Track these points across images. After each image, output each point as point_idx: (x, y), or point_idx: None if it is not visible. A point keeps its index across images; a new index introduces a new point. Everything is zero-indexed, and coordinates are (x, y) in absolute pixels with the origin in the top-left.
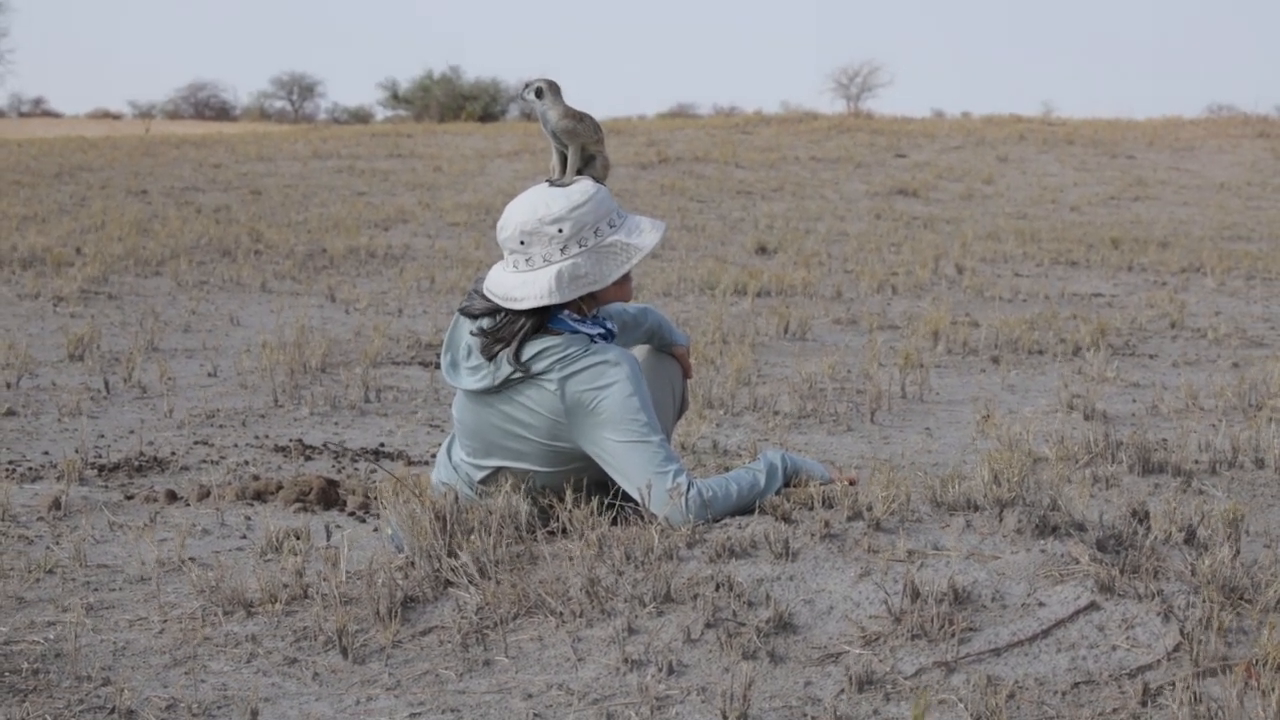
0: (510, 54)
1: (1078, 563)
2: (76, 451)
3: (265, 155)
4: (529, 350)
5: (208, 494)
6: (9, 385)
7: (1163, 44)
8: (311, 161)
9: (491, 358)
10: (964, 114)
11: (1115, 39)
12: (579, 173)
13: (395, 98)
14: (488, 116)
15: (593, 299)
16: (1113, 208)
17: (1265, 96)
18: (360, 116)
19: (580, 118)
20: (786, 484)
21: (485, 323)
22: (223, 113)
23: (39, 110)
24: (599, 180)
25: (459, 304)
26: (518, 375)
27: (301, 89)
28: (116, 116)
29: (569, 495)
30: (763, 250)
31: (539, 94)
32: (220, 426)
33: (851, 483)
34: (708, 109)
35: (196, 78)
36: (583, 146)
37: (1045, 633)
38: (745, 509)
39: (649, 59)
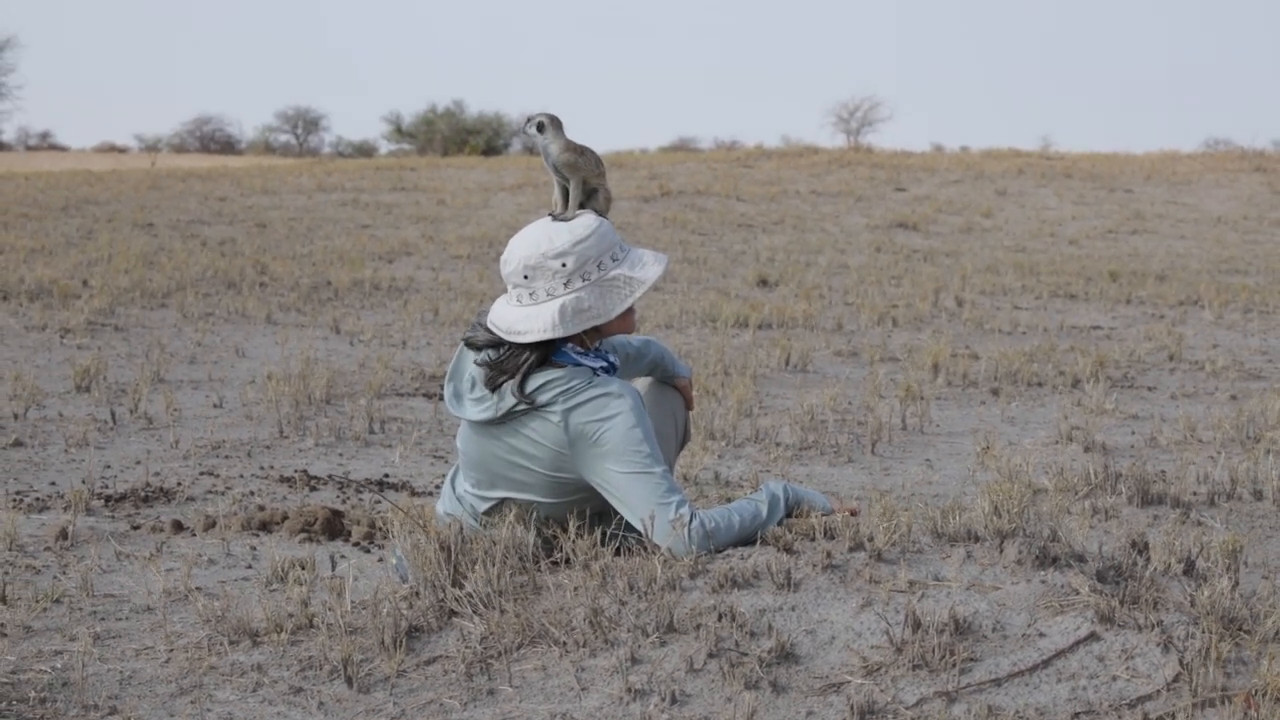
0: (513, 88)
1: (1078, 593)
2: (83, 482)
3: (270, 189)
4: (533, 383)
5: (213, 524)
6: (16, 416)
7: (1160, 79)
8: (316, 195)
9: (495, 389)
10: (963, 148)
11: (1113, 74)
12: (581, 206)
13: (399, 131)
14: (491, 150)
15: (596, 332)
16: (1111, 241)
17: (1262, 131)
18: (364, 150)
19: (581, 151)
20: (788, 515)
21: (489, 354)
22: (228, 146)
23: (46, 144)
24: (601, 214)
25: (462, 335)
26: (521, 407)
27: (306, 123)
28: (123, 150)
29: (572, 526)
30: (764, 283)
31: (540, 128)
32: (226, 457)
33: (853, 514)
34: (709, 143)
35: (202, 112)
36: (584, 180)
37: (1046, 663)
38: (747, 539)
39: (651, 93)
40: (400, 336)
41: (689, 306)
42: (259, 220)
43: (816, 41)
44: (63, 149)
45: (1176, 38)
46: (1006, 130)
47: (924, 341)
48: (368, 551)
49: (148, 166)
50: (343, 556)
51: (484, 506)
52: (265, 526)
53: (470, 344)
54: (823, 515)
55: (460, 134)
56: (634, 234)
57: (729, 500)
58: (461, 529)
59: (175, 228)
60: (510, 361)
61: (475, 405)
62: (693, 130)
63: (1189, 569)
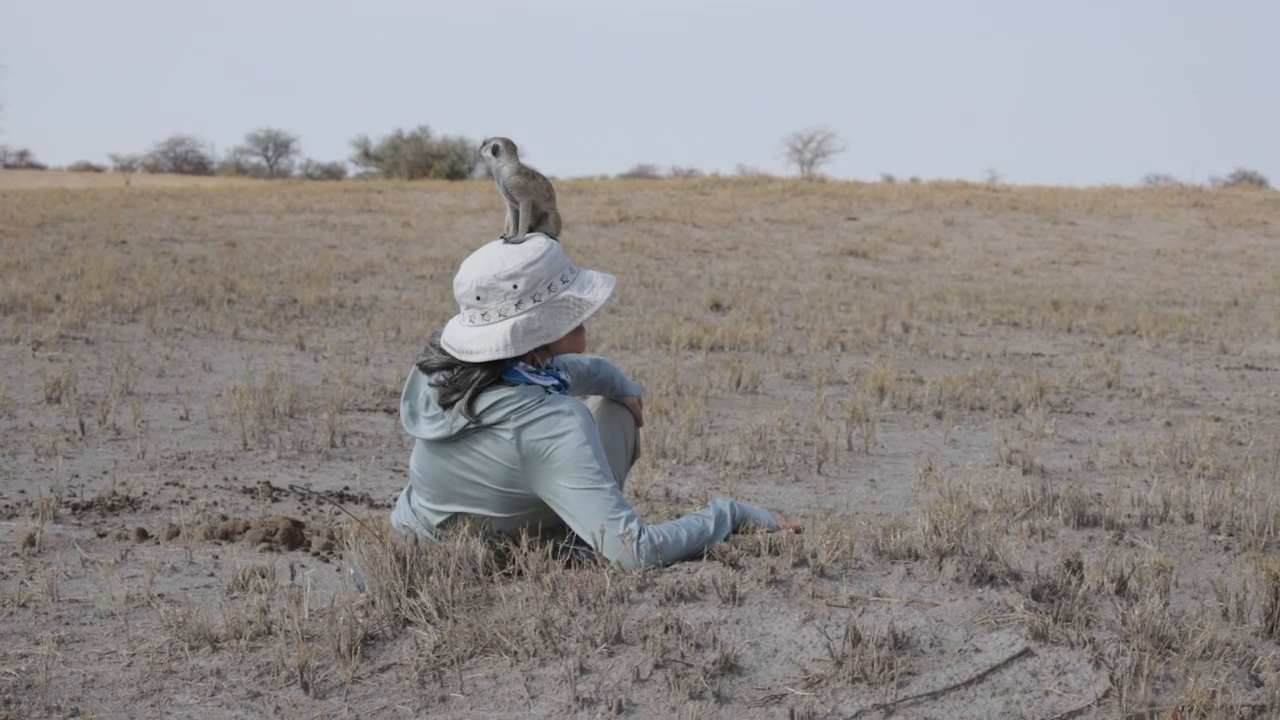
0: (478, 115)
1: (1013, 611)
2: (51, 490)
3: (241, 208)
4: (485, 401)
5: (177, 533)
6: None
7: (1104, 116)
8: (285, 215)
9: (448, 407)
10: (913, 179)
11: (1059, 111)
12: (531, 230)
13: (366, 155)
14: (455, 174)
15: (546, 351)
16: (1053, 271)
17: (1200, 168)
18: (333, 173)
19: (532, 175)
20: (735, 531)
21: (443, 375)
22: (200, 167)
23: (24, 162)
24: (552, 237)
25: (416, 359)
26: (474, 425)
27: (277, 145)
28: (98, 169)
29: (524, 539)
30: (717, 307)
31: (495, 151)
32: (191, 468)
33: (797, 530)
34: (667, 170)
35: (176, 133)
36: (534, 204)
37: (981, 678)
38: (695, 554)
39: (612, 122)
40: (363, 353)
41: (644, 328)
42: (229, 239)
43: (773, 74)
44: (40, 168)
45: (1120, 78)
46: (955, 163)
47: (871, 366)
48: (326, 561)
49: (122, 186)
50: (302, 566)
51: (438, 520)
52: (228, 536)
53: (424, 368)
54: (768, 532)
55: (425, 158)
56: (592, 257)
57: (678, 516)
58: (416, 540)
59: (147, 245)
60: (462, 380)
61: (430, 424)
62: (651, 158)
63: (1121, 589)
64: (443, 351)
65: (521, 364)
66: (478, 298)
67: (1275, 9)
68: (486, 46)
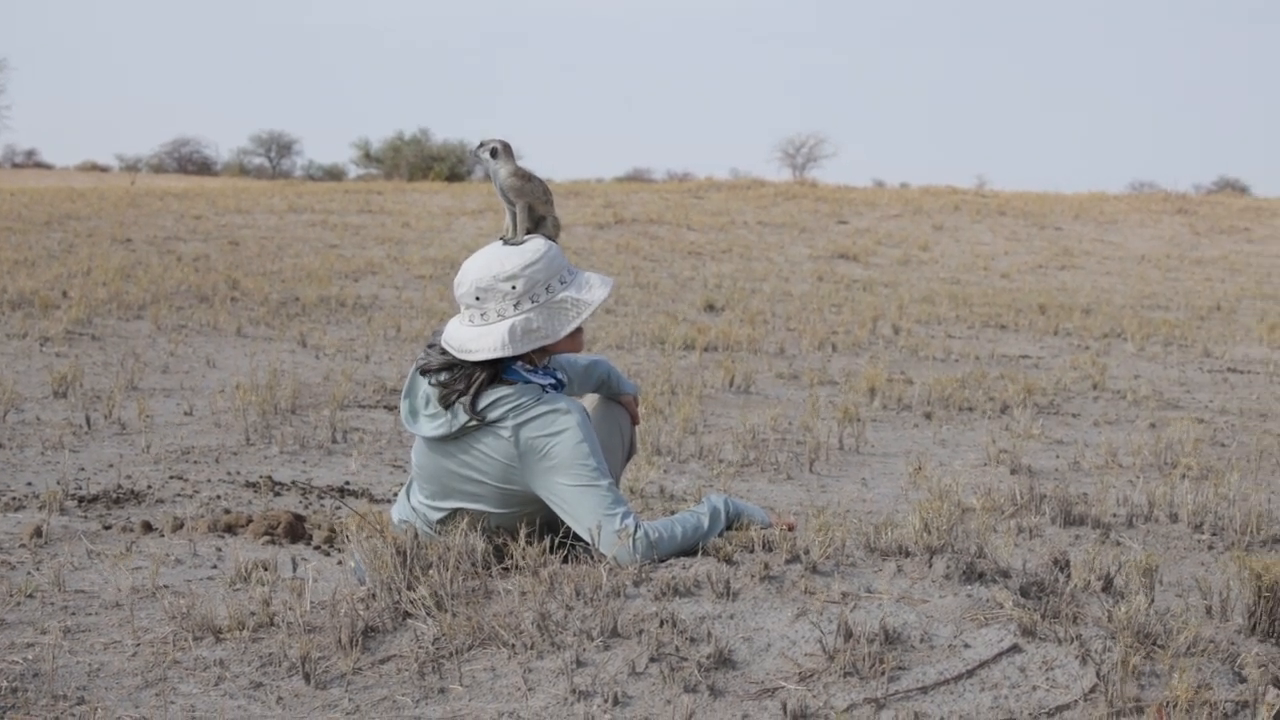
0: (477, 118)
1: (1002, 607)
2: (58, 483)
3: (243, 208)
4: (484, 400)
5: (181, 526)
6: None
7: (1090, 124)
8: (287, 215)
9: (448, 406)
10: (903, 185)
11: (1046, 118)
12: (529, 232)
13: (367, 157)
14: (454, 176)
15: (544, 351)
16: (1040, 275)
17: (1184, 176)
18: (334, 174)
19: (528, 178)
20: (729, 527)
21: (443, 375)
22: (204, 168)
23: (31, 162)
24: (551, 239)
25: (418, 357)
26: (473, 423)
27: (279, 146)
28: (104, 169)
29: (522, 534)
30: (711, 308)
31: (494, 154)
32: (194, 462)
33: (790, 528)
34: (662, 174)
35: (180, 134)
36: (530, 206)
37: (970, 673)
38: (689, 550)
39: (608, 126)
40: (364, 351)
41: (639, 329)
42: (232, 238)
43: (766, 80)
44: (47, 167)
45: (1106, 85)
46: (944, 169)
47: (862, 366)
48: (328, 554)
49: (128, 185)
50: (304, 559)
51: (437, 516)
52: (230, 529)
53: (424, 370)
54: (761, 528)
55: (425, 161)
56: (589, 259)
57: (673, 513)
58: (416, 535)
59: (152, 243)
60: (462, 379)
61: (430, 422)
62: (647, 162)
63: (1107, 586)
64: (443, 352)
65: (520, 363)
66: (477, 298)
67: (1260, 17)
68: (486, 50)
